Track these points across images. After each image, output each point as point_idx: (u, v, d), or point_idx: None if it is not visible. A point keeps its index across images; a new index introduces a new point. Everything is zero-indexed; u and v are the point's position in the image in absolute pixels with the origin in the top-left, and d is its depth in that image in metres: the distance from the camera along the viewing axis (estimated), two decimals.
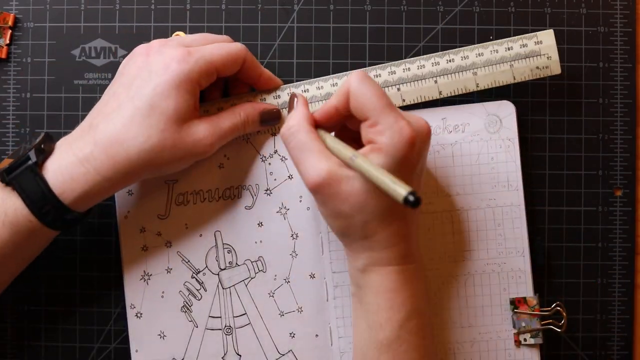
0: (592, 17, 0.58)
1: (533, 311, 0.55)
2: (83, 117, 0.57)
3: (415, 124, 0.47)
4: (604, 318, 0.57)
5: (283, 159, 0.56)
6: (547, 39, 0.54)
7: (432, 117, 0.55)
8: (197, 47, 0.50)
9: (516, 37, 0.54)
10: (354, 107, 0.47)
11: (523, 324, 0.55)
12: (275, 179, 0.56)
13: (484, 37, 0.58)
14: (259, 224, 0.56)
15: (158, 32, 0.58)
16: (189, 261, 0.56)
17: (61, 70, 0.58)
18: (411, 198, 0.41)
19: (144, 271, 0.55)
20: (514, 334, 0.55)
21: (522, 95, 0.58)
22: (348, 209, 0.46)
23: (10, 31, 0.57)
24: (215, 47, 0.50)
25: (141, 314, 0.55)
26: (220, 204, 0.56)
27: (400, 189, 0.42)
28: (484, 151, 0.56)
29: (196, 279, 0.56)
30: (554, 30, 0.54)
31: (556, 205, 0.58)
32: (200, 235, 0.56)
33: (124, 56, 0.57)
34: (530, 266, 0.55)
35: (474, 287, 0.56)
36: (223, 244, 0.56)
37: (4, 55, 0.57)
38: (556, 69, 0.54)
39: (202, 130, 0.50)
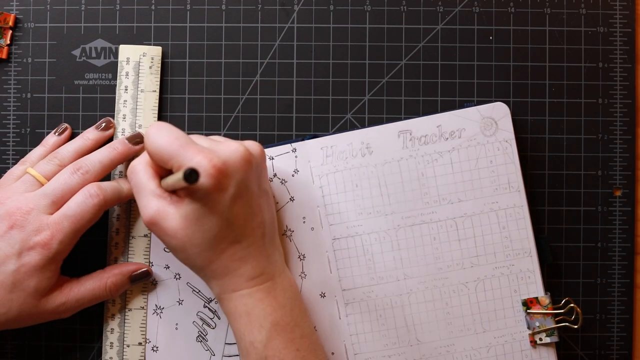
0: (591, 17, 0.58)
1: (546, 310, 0.55)
2: (83, 117, 0.57)
3: (225, 153, 0.47)
4: (604, 318, 0.57)
5: (282, 182, 0.56)
6: None
7: (427, 125, 0.55)
8: (60, 222, 0.50)
9: None
10: (157, 162, 0.48)
11: (537, 324, 0.55)
12: (277, 202, 0.56)
13: (484, 38, 0.58)
14: None
15: (158, 32, 0.58)
16: (199, 291, 0.56)
17: (62, 71, 0.58)
18: (187, 172, 0.42)
19: (156, 305, 0.56)
20: (529, 334, 0.55)
21: (522, 95, 0.58)
22: (178, 243, 0.48)
23: (10, 31, 0.57)
24: (77, 213, 0.50)
25: (157, 347, 0.56)
26: None
27: (179, 173, 0.43)
28: (482, 155, 0.56)
29: (209, 308, 0.56)
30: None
31: (556, 205, 0.58)
32: None
33: None
34: (538, 265, 0.55)
35: (484, 292, 0.55)
36: None
37: (4, 56, 0.57)
38: None
39: (61, 299, 0.52)
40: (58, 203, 0.51)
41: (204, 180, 0.45)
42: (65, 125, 0.56)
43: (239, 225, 0.48)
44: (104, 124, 0.56)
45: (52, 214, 0.51)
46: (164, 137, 0.47)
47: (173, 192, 0.48)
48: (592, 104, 0.58)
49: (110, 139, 0.56)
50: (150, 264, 0.56)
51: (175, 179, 0.45)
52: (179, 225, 0.47)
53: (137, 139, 0.55)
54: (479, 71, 0.58)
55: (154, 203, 0.48)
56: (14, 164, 0.57)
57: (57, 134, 0.56)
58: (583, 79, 0.58)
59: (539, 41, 0.58)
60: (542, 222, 0.58)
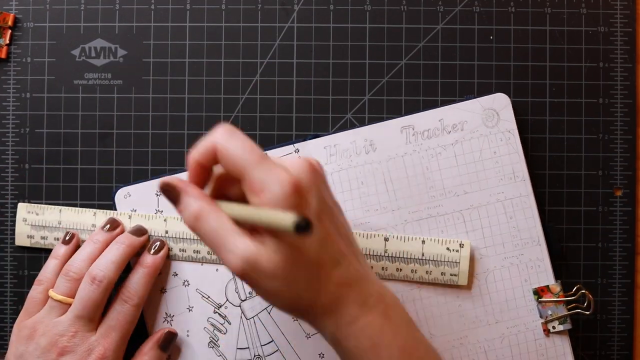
0: (592, 17, 0.58)
1: (558, 298, 0.55)
2: (83, 117, 0.57)
3: (295, 167, 0.42)
4: (604, 318, 0.57)
5: None
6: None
7: (429, 119, 0.56)
8: (107, 334, 0.51)
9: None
10: (224, 164, 0.42)
11: (550, 312, 0.55)
12: None
13: (484, 37, 0.58)
14: None
15: (158, 32, 0.58)
16: (209, 297, 0.56)
17: (61, 70, 0.58)
18: (301, 222, 0.37)
19: (166, 313, 0.56)
20: (542, 323, 0.55)
21: (522, 95, 0.58)
22: (281, 283, 0.42)
23: (10, 31, 0.57)
24: (119, 321, 0.52)
25: (169, 355, 0.55)
26: None
27: (286, 218, 0.38)
28: (485, 146, 0.56)
29: (219, 314, 0.56)
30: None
31: (556, 205, 0.58)
32: (217, 269, 0.56)
33: (123, 56, 0.58)
34: (547, 254, 0.55)
35: (495, 283, 0.56)
36: None
37: (3, 55, 0.57)
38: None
39: None
40: (93, 319, 0.51)
41: (290, 197, 0.40)
42: (72, 232, 0.55)
43: (332, 244, 0.43)
44: (109, 225, 0.55)
45: (93, 329, 0.51)
46: (240, 144, 0.42)
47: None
48: (593, 103, 0.58)
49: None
50: (159, 273, 0.55)
51: (269, 221, 0.39)
52: (277, 262, 0.41)
53: (140, 232, 0.55)
54: (479, 71, 0.58)
55: (241, 244, 0.41)
56: (13, 164, 0.57)
57: (64, 243, 0.55)
58: (584, 79, 0.58)
59: (539, 41, 0.58)
60: (543, 222, 0.57)
